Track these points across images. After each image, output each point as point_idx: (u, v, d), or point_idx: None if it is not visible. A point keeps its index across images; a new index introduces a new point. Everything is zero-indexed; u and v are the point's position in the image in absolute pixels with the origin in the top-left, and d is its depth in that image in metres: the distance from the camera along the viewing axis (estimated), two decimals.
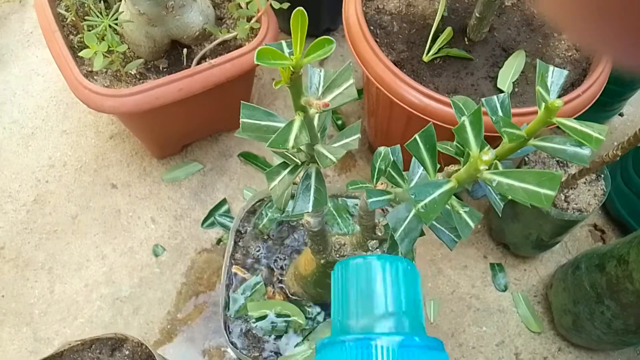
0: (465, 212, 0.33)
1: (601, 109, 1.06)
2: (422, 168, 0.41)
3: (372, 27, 0.85)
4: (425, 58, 0.85)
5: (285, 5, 0.85)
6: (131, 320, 0.90)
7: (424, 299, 0.75)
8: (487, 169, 0.29)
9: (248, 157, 1.09)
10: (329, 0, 1.15)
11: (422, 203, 0.30)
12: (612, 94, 1.00)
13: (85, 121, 1.12)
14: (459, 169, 0.38)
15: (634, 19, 0.16)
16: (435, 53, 0.85)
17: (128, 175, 1.06)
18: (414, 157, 0.42)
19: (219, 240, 0.99)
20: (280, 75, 0.35)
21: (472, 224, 0.32)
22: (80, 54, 0.77)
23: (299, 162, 0.41)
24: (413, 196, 0.31)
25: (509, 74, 0.85)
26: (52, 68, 1.17)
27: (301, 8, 0.32)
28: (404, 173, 0.42)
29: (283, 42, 0.37)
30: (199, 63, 0.91)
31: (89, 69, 0.85)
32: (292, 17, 0.33)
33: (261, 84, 1.18)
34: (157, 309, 0.91)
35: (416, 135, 0.37)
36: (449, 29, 0.83)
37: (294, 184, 0.42)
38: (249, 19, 0.91)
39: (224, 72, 0.85)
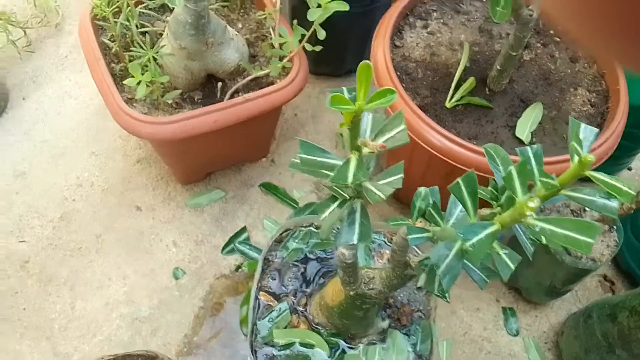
0: (505, 253, 0.36)
1: (611, 163, 1.10)
2: (459, 209, 0.45)
3: (398, 73, 0.90)
4: (448, 104, 0.89)
5: (318, 48, 0.90)
6: (149, 341, 0.92)
7: (437, 339, 0.78)
8: (530, 215, 0.33)
9: (269, 188, 1.13)
10: (353, 43, 1.21)
11: (470, 242, 0.33)
12: (623, 149, 1.04)
13: (114, 145, 1.16)
14: (494, 212, 0.42)
15: (631, 19, 0.15)
16: (458, 100, 0.89)
17: (153, 198, 1.09)
18: (451, 199, 0.45)
19: (238, 267, 1.01)
20: (343, 119, 0.39)
21: (512, 265, 0.36)
22: (124, 82, 0.81)
23: (347, 197, 0.44)
24: (461, 235, 0.34)
25: (527, 124, 0.89)
26: (84, 91, 1.22)
27: (367, 62, 0.37)
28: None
29: (344, 88, 0.41)
30: (231, 97, 0.96)
31: (129, 96, 0.89)
32: (358, 69, 0.38)
33: (284, 119, 1.23)
34: (174, 331, 0.93)
35: (459, 180, 0.41)
36: (471, 79, 0.88)
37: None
38: (281, 58, 0.96)
39: (257, 106, 0.90)
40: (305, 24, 0.99)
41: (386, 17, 0.94)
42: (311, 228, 0.80)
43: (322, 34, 0.85)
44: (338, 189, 0.44)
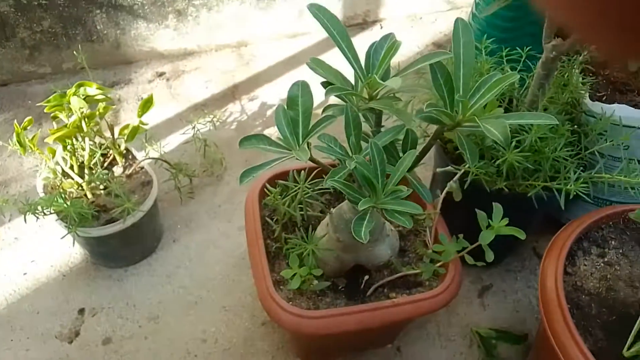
0: None
1: None
2: None
3: (569, 305, 0.81)
4: (626, 353, 0.77)
5: (481, 264, 0.85)
6: None
7: None
8: None
9: None
10: (501, 236, 1.14)
11: None
12: None
13: (244, 302, 1.16)
14: None
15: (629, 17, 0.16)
16: (638, 352, 0.77)
17: None
18: None
19: None
20: None
21: None
22: (282, 273, 0.81)
23: None
24: None
25: None
26: (229, 242, 1.26)
27: None
28: None
29: None
30: (375, 290, 0.92)
31: (278, 278, 0.89)
32: None
33: None
34: None
35: None
36: None
37: None
38: (433, 260, 0.91)
39: (405, 312, 0.84)
40: (453, 219, 0.96)
41: (559, 239, 0.87)
42: None
43: (490, 257, 0.79)
44: None
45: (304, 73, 1.52)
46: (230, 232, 1.28)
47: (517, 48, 1.08)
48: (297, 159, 0.65)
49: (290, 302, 0.85)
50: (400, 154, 0.71)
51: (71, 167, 1.06)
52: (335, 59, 0.72)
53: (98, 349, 1.08)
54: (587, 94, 1.04)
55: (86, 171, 1.06)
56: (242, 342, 1.09)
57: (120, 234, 1.07)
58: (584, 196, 0.91)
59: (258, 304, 1.16)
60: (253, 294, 1.16)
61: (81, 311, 1.14)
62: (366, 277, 0.92)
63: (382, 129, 0.73)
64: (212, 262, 1.23)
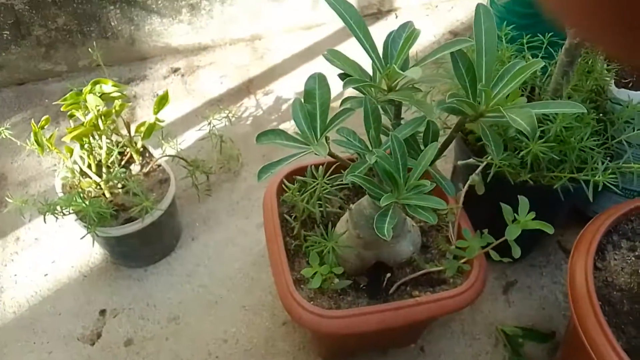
0: None
1: None
2: None
3: (600, 302, 0.78)
4: None
5: (507, 260, 0.82)
6: None
7: None
8: None
9: None
10: (526, 231, 1.11)
11: None
12: None
13: (264, 300, 1.15)
14: None
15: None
16: None
17: None
18: None
19: None
20: None
21: None
22: (302, 272, 0.80)
23: None
24: None
25: None
26: (247, 240, 1.25)
27: None
28: None
29: None
30: (398, 288, 0.90)
31: (298, 277, 0.87)
32: None
33: None
34: None
35: None
36: None
37: None
38: (456, 257, 0.89)
39: (428, 311, 0.82)
40: (476, 213, 0.93)
41: (588, 232, 0.84)
42: None
43: (517, 252, 0.77)
44: None
45: (319, 65, 1.50)
46: (249, 229, 1.27)
47: (539, 35, 1.04)
48: (315, 154, 0.63)
49: (312, 302, 0.83)
50: (422, 147, 0.68)
51: (89, 166, 1.06)
52: (351, 50, 0.70)
53: (120, 351, 1.07)
54: (612, 81, 1.00)
55: (104, 170, 1.06)
56: (263, 343, 1.08)
57: (140, 233, 1.06)
58: (613, 187, 0.88)
59: (278, 302, 1.15)
60: (273, 293, 1.15)
61: (102, 312, 1.14)
62: (388, 274, 0.90)
63: (402, 122, 0.71)
64: (231, 260, 1.22)
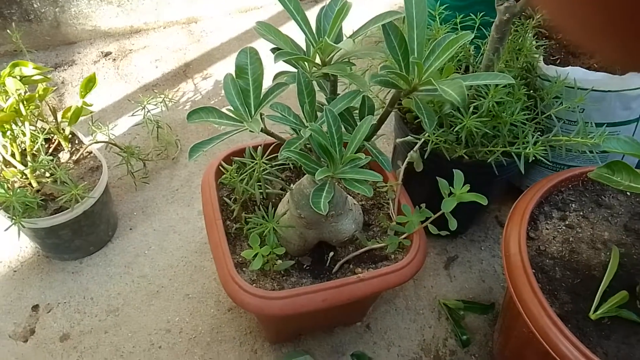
0: None
1: None
2: None
3: (534, 270, 0.81)
4: (593, 316, 0.77)
5: (444, 233, 0.83)
6: None
7: None
8: None
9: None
10: (465, 209, 1.14)
11: None
12: None
13: (208, 287, 1.12)
14: None
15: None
16: (605, 312, 0.77)
17: (238, 356, 1.02)
18: None
19: None
20: None
21: None
22: (242, 254, 0.78)
23: None
24: None
25: None
26: (188, 227, 1.22)
27: None
28: None
29: None
30: (341, 266, 0.90)
31: (240, 260, 0.86)
32: None
33: None
34: None
35: None
36: (624, 293, 0.77)
37: None
38: (398, 233, 0.90)
39: (370, 287, 0.82)
40: (416, 190, 0.95)
41: (521, 203, 0.87)
42: None
43: (453, 224, 0.78)
44: None
45: (259, 48, 1.47)
46: (190, 216, 1.24)
47: (471, 14, 1.06)
48: (250, 130, 0.61)
49: (254, 284, 0.82)
50: (358, 123, 0.68)
51: (12, 155, 0.99)
52: (290, 33, 0.68)
53: (56, 346, 1.02)
54: (542, 58, 1.04)
55: (29, 158, 1.00)
56: (209, 330, 1.06)
57: (71, 224, 1.01)
58: (543, 160, 0.91)
59: (223, 289, 1.13)
60: (217, 280, 1.13)
61: (35, 307, 1.08)
62: (331, 253, 0.90)
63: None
64: (172, 248, 1.18)
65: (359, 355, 1.03)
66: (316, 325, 1.05)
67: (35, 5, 1.42)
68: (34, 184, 0.99)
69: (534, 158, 0.90)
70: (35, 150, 1.01)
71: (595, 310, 0.77)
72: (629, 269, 0.82)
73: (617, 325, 0.77)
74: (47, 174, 0.99)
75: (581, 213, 0.88)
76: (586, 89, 0.96)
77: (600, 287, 0.78)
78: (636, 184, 0.70)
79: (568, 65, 1.01)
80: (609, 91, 0.99)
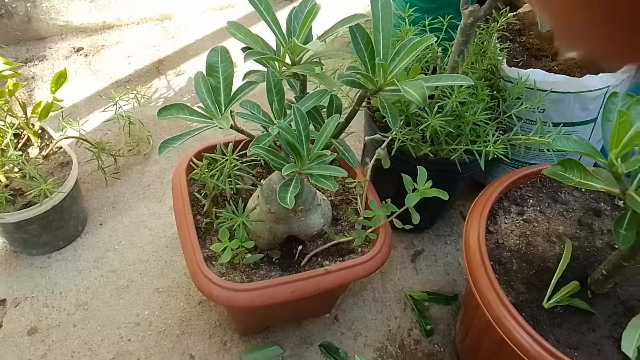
0: None
1: None
2: None
3: (491, 262, 0.85)
4: (546, 305, 0.82)
5: (409, 227, 0.87)
6: None
7: None
8: None
9: (329, 351, 1.05)
10: (431, 205, 1.18)
11: None
12: None
13: (179, 282, 1.13)
14: None
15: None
16: (557, 302, 0.82)
17: (208, 348, 1.03)
18: None
19: None
20: None
21: None
22: (212, 247, 0.80)
23: None
24: None
25: (633, 338, 0.80)
26: (159, 222, 1.23)
27: None
28: None
29: None
30: (309, 260, 0.92)
31: (209, 254, 0.87)
32: None
33: None
34: None
35: None
36: (575, 283, 0.81)
37: None
38: (364, 227, 0.93)
39: (337, 278, 0.85)
40: (384, 187, 0.98)
41: (481, 199, 0.91)
42: None
43: (416, 218, 0.81)
44: None
45: (232, 46, 1.48)
46: (161, 212, 1.25)
47: (440, 17, 1.10)
48: (220, 127, 0.63)
49: (223, 277, 0.84)
50: (326, 121, 0.70)
51: None
52: (262, 32, 0.70)
53: (23, 340, 1.02)
54: (505, 60, 1.08)
55: None
56: (178, 323, 1.07)
57: (40, 219, 1.01)
58: (503, 157, 0.95)
59: (193, 283, 1.14)
60: (188, 274, 1.14)
61: (2, 302, 1.07)
62: (300, 247, 0.92)
63: None
64: (142, 243, 1.19)
65: (326, 346, 1.06)
66: (285, 318, 1.07)
67: (6, 0, 1.41)
68: (2, 179, 0.99)
69: (494, 156, 0.94)
70: (4, 146, 1.00)
71: (549, 300, 0.81)
72: (581, 260, 0.87)
73: (569, 314, 0.82)
74: (16, 169, 0.99)
75: (538, 208, 0.92)
76: (546, 90, 1.01)
77: (554, 277, 0.83)
78: (586, 181, 0.74)
79: (530, 68, 1.06)
80: (567, 92, 1.04)
